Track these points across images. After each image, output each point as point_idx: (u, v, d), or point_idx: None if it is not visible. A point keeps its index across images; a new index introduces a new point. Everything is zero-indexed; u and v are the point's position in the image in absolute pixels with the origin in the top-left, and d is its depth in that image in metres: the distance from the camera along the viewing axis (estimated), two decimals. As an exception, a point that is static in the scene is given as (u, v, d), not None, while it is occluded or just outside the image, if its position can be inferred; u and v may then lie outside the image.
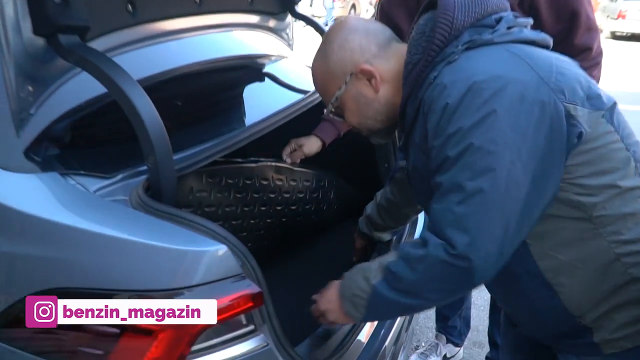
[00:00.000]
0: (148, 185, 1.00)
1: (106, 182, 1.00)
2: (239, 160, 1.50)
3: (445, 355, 2.16)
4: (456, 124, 0.86)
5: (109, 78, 0.95)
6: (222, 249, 0.88)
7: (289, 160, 1.68)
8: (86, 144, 1.17)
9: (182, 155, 1.13)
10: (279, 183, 1.63)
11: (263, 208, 1.59)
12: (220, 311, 0.87)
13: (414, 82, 0.97)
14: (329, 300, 1.06)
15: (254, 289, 0.90)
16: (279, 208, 1.65)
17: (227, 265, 0.88)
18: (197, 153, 1.15)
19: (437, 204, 0.91)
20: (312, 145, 1.71)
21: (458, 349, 2.18)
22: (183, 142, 1.20)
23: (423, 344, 2.28)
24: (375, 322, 1.39)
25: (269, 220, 1.63)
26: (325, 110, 1.09)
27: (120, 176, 1.02)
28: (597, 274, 0.95)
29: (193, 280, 0.87)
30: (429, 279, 0.91)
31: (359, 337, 1.30)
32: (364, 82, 1.02)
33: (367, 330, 1.35)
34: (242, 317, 0.92)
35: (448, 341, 2.15)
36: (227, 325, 0.90)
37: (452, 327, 2.14)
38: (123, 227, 0.91)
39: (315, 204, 1.81)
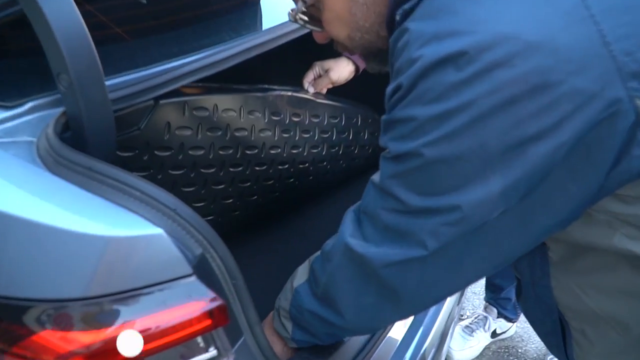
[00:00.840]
0: (66, 122, 0.65)
1: (6, 113, 0.65)
2: (241, 87, 1.13)
3: (494, 331, 1.81)
4: (407, 109, 0.52)
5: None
6: (155, 235, 0.52)
7: (311, 90, 1.31)
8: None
9: (140, 75, 0.76)
10: (296, 119, 1.25)
11: (273, 152, 1.22)
12: (152, 336, 0.53)
13: (393, 5, 0.57)
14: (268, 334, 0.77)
15: (211, 299, 0.55)
16: (295, 151, 1.28)
17: (168, 261, 0.53)
18: (165, 72, 0.78)
19: (374, 185, 0.60)
20: (342, 70, 1.33)
21: (511, 324, 1.83)
22: (146, 55, 0.82)
23: (468, 314, 1.94)
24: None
25: (281, 167, 1.27)
26: (289, 12, 0.68)
27: (29, 105, 0.66)
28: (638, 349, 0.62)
29: (117, 285, 0.53)
30: (336, 284, 0.65)
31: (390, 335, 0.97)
32: None
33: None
34: (199, 340, 0.58)
35: (499, 315, 1.80)
36: (171, 354, 0.56)
37: (506, 299, 1.77)
38: (16, 194, 0.57)
39: (344, 147, 1.43)
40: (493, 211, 0.52)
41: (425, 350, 0.97)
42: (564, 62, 0.47)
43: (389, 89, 0.55)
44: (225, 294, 0.61)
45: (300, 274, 0.74)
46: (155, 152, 0.97)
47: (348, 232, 0.63)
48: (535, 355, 1.86)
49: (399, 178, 0.55)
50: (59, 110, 0.65)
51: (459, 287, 0.62)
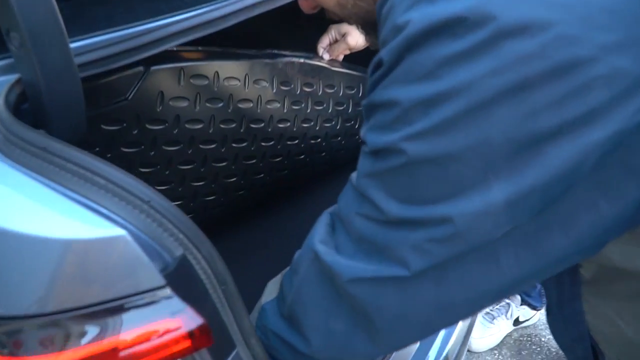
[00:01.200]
0: (23, 91, 0.53)
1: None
2: (246, 52, 1.00)
3: (517, 318, 1.71)
4: (388, 90, 0.42)
5: None
6: (117, 238, 0.41)
7: (326, 56, 1.18)
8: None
9: (118, 35, 0.64)
10: (309, 89, 1.13)
11: (282, 125, 1.10)
12: (118, 362, 0.43)
13: None
14: None
15: (191, 317, 0.44)
16: (306, 125, 1.16)
17: (135, 271, 0.42)
18: (149, 31, 0.66)
19: (351, 185, 0.50)
20: (360, 35, 1.19)
21: (535, 312, 1.72)
22: (127, 11, 0.70)
23: (488, 299, 1.83)
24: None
25: (290, 143, 1.15)
26: None
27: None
28: None
29: (76, 300, 0.42)
30: (303, 302, 0.53)
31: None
32: None
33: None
34: (178, 361, 0.48)
35: (523, 302, 1.69)
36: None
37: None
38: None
39: (361, 120, 1.30)
40: (496, 228, 0.40)
41: (448, 352, 0.87)
42: (600, 32, 0.35)
43: (370, 66, 0.44)
44: (212, 302, 0.51)
45: (270, 290, 0.62)
46: (147, 125, 0.86)
47: (318, 236, 0.51)
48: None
49: (376, 179, 0.44)
50: (14, 77, 0.53)
51: (446, 322, 0.50)
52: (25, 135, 0.48)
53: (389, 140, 0.41)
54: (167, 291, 0.43)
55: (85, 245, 0.41)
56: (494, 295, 0.46)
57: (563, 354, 1.70)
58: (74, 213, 0.42)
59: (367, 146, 0.45)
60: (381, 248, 0.45)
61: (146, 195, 0.46)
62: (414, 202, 0.42)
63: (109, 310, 0.42)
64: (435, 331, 0.53)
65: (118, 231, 0.41)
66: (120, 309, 0.42)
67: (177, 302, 0.43)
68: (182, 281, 0.46)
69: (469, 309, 0.48)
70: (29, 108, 0.53)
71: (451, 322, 0.51)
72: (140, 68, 0.80)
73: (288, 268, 0.61)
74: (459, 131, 0.38)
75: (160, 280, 0.42)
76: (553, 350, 1.73)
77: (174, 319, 0.43)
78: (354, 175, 0.50)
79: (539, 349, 1.73)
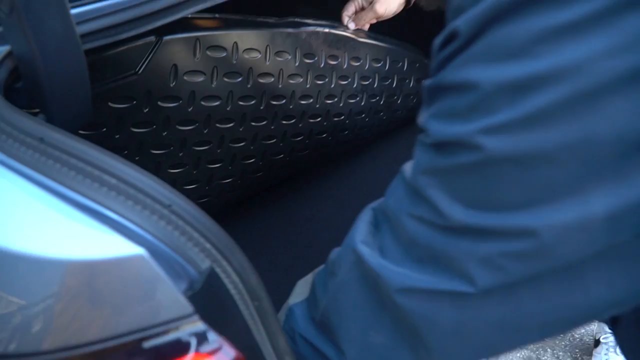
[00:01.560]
0: (16, 67, 0.45)
1: None
2: (267, 20, 0.90)
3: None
4: (464, 70, 0.34)
5: None
6: (133, 258, 0.33)
7: (351, 26, 1.08)
8: None
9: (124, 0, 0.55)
10: (333, 62, 1.03)
11: (304, 102, 1.01)
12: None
13: None
14: None
15: (222, 352, 0.36)
16: (329, 102, 1.07)
17: (156, 297, 0.34)
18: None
19: (403, 180, 0.42)
20: (389, 2, 1.08)
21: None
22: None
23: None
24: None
25: (312, 121, 1.06)
26: None
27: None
28: None
29: (81, 335, 0.34)
30: (339, 309, 0.47)
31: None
32: None
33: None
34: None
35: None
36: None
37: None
38: None
39: (386, 96, 1.21)
40: (589, 246, 0.33)
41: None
42: None
43: (439, 38, 0.36)
44: (244, 322, 0.43)
45: (300, 290, 0.56)
46: (159, 103, 0.77)
47: (359, 236, 0.44)
48: (583, 330, 1.70)
49: (438, 177, 0.37)
50: (3, 49, 0.44)
51: (510, 347, 0.43)
52: (18, 121, 0.39)
53: (461, 132, 0.34)
54: (195, 319, 0.35)
55: (91, 266, 0.33)
56: (574, 322, 0.40)
57: (587, 340, 1.63)
58: (77, 223, 0.34)
59: (428, 136, 0.38)
60: (438, 257, 0.38)
61: (166, 198, 0.38)
62: (486, 208, 0.35)
63: (123, 346, 0.34)
64: (495, 355, 0.46)
65: (133, 248, 0.33)
66: (136, 345, 0.34)
67: (207, 334, 0.35)
68: (211, 301, 0.38)
69: (539, 335, 0.41)
70: (23, 87, 0.45)
71: (515, 347, 0.44)
72: (152, 38, 0.71)
73: (321, 267, 0.54)
74: (555, 125, 0.31)
75: (186, 307, 0.34)
76: (577, 336, 1.67)
77: (204, 354, 0.35)
78: (407, 168, 0.42)
79: (562, 335, 1.67)
